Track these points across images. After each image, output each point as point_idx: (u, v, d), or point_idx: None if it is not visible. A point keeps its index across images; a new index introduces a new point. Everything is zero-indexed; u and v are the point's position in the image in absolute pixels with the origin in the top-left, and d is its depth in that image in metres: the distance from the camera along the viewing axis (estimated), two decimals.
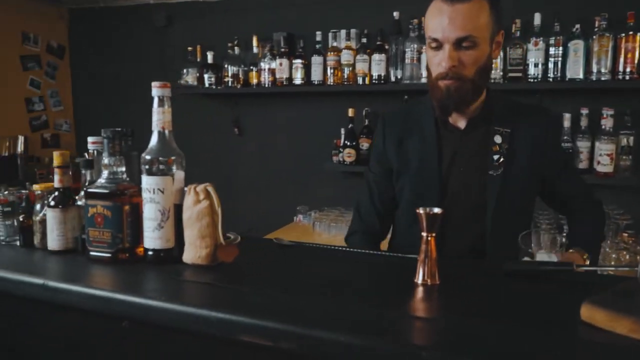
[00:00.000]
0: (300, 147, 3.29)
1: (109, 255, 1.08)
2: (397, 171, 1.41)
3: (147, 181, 1.06)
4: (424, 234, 0.97)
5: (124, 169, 1.12)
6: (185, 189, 1.08)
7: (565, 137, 2.50)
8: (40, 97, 3.72)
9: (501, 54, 2.56)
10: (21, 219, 1.21)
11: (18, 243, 1.22)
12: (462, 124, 1.35)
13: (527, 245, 1.19)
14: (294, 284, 0.98)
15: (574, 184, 1.42)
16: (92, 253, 1.10)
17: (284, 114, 3.31)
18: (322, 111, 3.18)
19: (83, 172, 1.16)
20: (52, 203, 1.15)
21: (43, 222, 1.17)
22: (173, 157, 1.07)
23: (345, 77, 2.92)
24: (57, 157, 1.15)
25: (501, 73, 2.59)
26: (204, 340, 0.87)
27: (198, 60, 3.30)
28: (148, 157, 1.06)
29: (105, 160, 1.10)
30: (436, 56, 1.24)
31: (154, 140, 1.07)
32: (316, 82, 2.98)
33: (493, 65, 2.54)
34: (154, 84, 1.07)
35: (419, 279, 0.97)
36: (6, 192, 1.25)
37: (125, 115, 3.81)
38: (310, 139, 3.23)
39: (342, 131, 3.03)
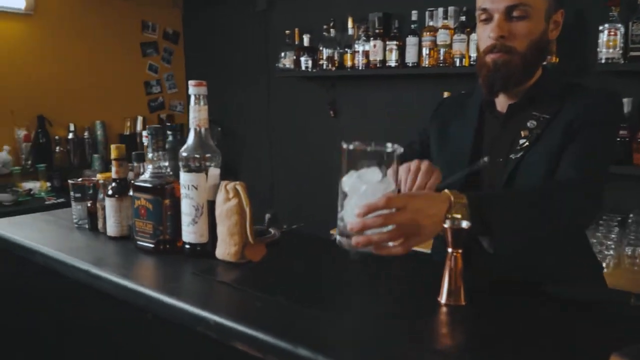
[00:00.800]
0: (394, 131, 3.19)
1: (151, 245, 1.14)
2: (436, 159, 1.31)
3: (182, 177, 1.10)
4: (449, 249, 0.88)
5: (167, 163, 1.17)
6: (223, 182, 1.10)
7: None
8: (157, 81, 4.03)
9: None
10: (89, 205, 1.33)
11: (87, 226, 1.34)
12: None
13: None
14: (310, 293, 0.94)
15: (572, 164, 1.08)
16: (138, 242, 1.17)
17: (378, 97, 3.23)
18: (417, 94, 3.05)
19: (135, 164, 1.23)
20: (110, 192, 1.24)
21: (104, 208, 1.27)
22: (208, 155, 1.09)
23: (442, 58, 2.75)
24: (114, 150, 1.23)
25: (621, 52, 2.25)
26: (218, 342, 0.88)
27: (296, 43, 3.33)
28: (184, 154, 1.09)
29: (149, 155, 1.15)
30: (485, 29, 1.15)
31: (190, 138, 1.10)
32: (410, 64, 2.85)
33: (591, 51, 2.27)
34: (190, 82, 1.09)
35: (443, 298, 0.89)
36: (79, 179, 1.37)
37: (231, 96, 4.00)
38: (404, 122, 3.12)
39: None
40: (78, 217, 1.35)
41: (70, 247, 1.18)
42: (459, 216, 0.88)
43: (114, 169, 1.24)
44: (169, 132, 1.27)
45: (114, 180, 1.24)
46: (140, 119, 3.89)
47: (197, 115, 1.09)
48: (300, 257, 1.14)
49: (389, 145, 0.90)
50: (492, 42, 1.13)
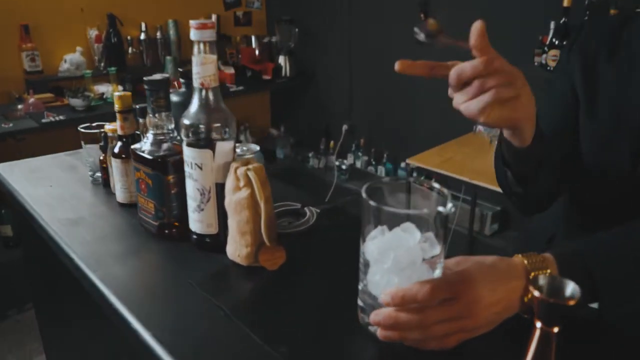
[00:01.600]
0: (496, 41, 2.65)
1: (153, 228, 0.93)
2: (584, 124, 0.93)
3: (185, 152, 0.84)
4: (538, 324, 0.57)
5: (172, 126, 0.91)
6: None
7: None
8: None
9: None
10: (101, 158, 1.13)
11: (100, 182, 1.15)
12: None
13: None
14: (330, 342, 0.66)
15: None
16: (142, 221, 0.96)
17: None
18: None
19: (140, 120, 0.98)
20: (115, 151, 1.02)
21: None
22: (217, 125, 0.81)
23: None
24: (117, 101, 0.99)
25: None
26: None
27: None
28: (186, 122, 0.82)
29: (149, 116, 0.90)
30: None
31: (194, 100, 0.82)
32: None
33: None
34: (191, 23, 0.78)
35: None
36: (94, 124, 1.16)
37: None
38: (509, 31, 2.57)
39: (552, 25, 2.34)
40: (92, 170, 1.17)
41: (70, 218, 1.00)
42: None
43: (118, 123, 1.00)
44: (182, 80, 0.99)
45: (120, 138, 1.01)
46: (214, 17, 3.61)
47: (200, 70, 0.80)
48: (334, 264, 0.86)
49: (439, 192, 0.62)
50: None
